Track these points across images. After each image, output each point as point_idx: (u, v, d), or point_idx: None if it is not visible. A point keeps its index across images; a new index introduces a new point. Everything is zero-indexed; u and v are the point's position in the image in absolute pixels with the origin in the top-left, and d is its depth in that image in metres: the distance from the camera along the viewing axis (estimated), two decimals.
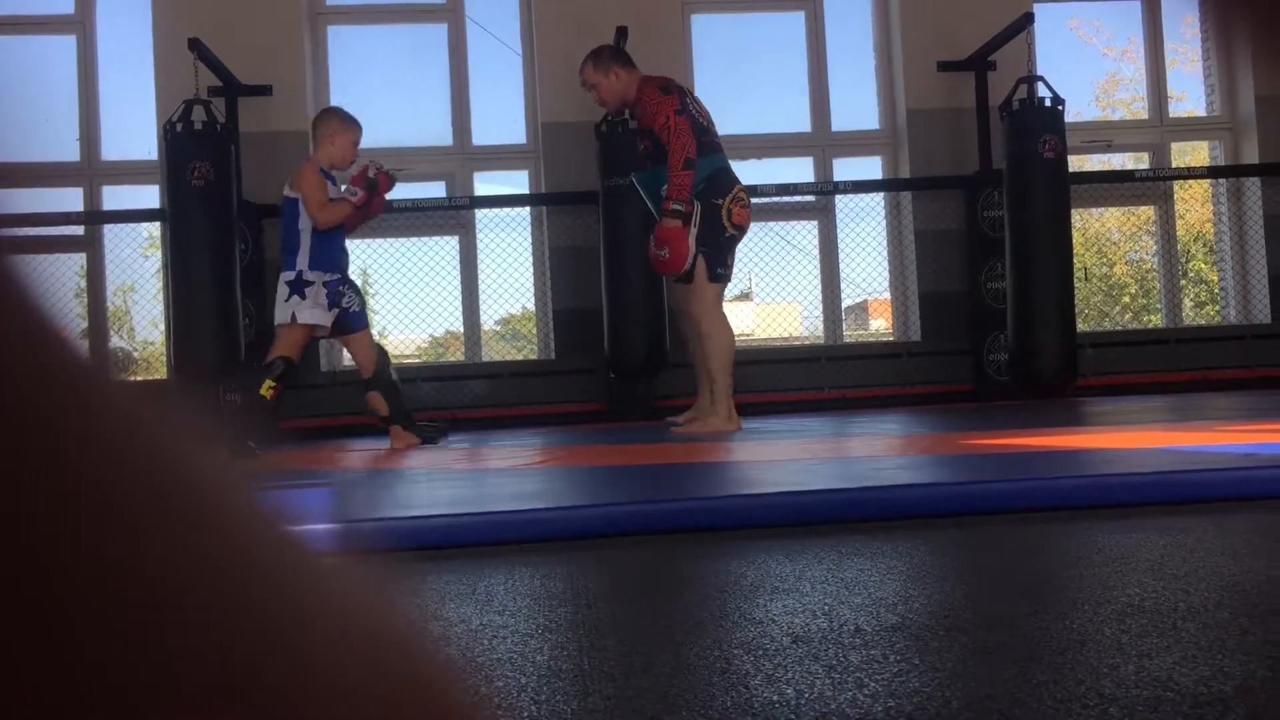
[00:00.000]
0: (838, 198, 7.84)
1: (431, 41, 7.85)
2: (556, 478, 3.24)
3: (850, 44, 8.10)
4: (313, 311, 4.86)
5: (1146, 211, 8.55)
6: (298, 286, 4.87)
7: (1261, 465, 2.35)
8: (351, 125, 5.03)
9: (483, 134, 7.84)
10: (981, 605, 1.44)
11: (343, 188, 4.98)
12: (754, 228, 7.72)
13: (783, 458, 3.46)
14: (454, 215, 7.63)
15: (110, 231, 7.56)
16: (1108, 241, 10.40)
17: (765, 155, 7.95)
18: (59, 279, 7.54)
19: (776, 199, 7.65)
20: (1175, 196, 8.21)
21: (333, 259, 4.94)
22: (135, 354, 8.71)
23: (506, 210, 7.78)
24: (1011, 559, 1.81)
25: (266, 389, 4.72)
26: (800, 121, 7.99)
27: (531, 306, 7.81)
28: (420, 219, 7.50)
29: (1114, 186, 7.98)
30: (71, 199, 7.58)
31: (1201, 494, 2.18)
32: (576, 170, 7.21)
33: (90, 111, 7.62)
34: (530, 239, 7.73)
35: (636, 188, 5.15)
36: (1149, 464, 2.65)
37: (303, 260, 4.87)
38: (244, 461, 4.56)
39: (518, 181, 7.87)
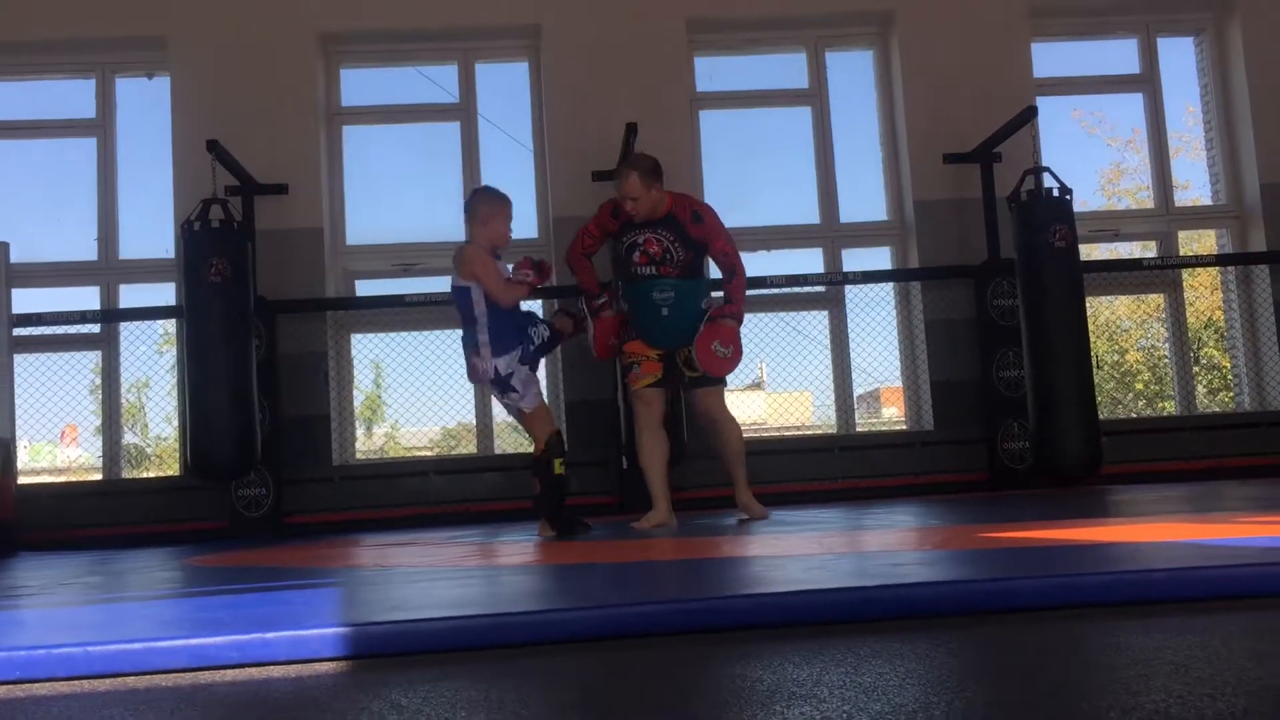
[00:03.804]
0: (847, 288, 7.88)
1: (445, 139, 7.99)
2: (567, 576, 3.21)
3: (857, 137, 8.22)
4: (530, 387, 4.92)
5: (1156, 299, 8.57)
6: (503, 386, 4.89)
7: None
8: (505, 203, 5.01)
9: None
10: (1003, 713, 1.40)
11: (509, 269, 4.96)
12: (766, 317, 7.82)
13: (796, 552, 3.42)
14: None
15: (126, 329, 7.63)
16: (1118, 329, 10.40)
17: (775, 246, 8.02)
18: (74, 376, 7.59)
19: (787, 289, 7.70)
20: (1184, 284, 8.23)
21: (511, 337, 4.90)
22: (149, 450, 8.72)
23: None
24: (1032, 661, 1.78)
25: (559, 466, 4.87)
26: (809, 213, 8.07)
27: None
28: (432, 312, 7.56)
29: (1123, 275, 8.01)
30: (89, 298, 7.66)
31: (1225, 590, 2.14)
32: None
33: (109, 211, 7.74)
34: None
35: (655, 294, 5.15)
36: (1169, 559, 2.61)
37: (491, 356, 4.83)
38: (578, 535, 4.80)
39: None
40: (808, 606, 2.15)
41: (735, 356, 5.11)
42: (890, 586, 2.26)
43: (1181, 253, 8.23)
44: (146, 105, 7.88)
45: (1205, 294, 9.01)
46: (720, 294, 5.32)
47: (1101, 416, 7.20)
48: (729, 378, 5.27)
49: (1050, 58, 8.17)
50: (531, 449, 5.08)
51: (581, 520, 5.10)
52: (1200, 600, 2.12)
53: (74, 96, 7.88)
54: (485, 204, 4.97)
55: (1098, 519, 4.44)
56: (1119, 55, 8.38)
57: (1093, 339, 7.23)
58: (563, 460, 4.94)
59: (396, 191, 8.16)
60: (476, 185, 5.16)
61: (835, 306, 7.94)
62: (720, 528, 5.01)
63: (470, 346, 4.92)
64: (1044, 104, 7.58)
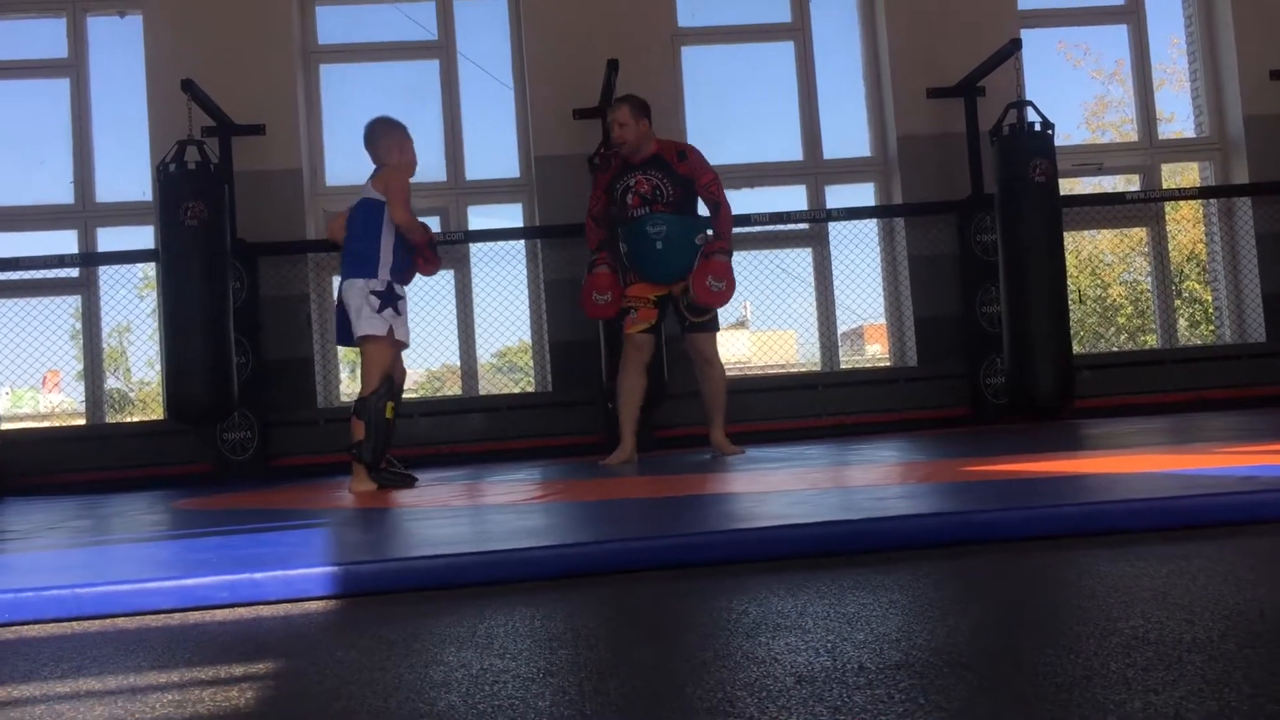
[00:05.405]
0: (831, 225, 7.86)
1: (424, 78, 7.89)
2: (555, 514, 3.23)
3: (840, 73, 8.15)
4: (406, 327, 4.66)
5: (1139, 233, 8.58)
6: (390, 299, 4.56)
7: (1262, 489, 2.34)
8: (406, 129, 4.80)
9: (476, 168, 7.87)
10: (985, 640, 1.43)
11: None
12: (749, 255, 7.80)
13: (782, 488, 3.45)
14: (449, 249, 7.64)
15: (106, 273, 7.56)
16: (1101, 263, 10.42)
17: (758, 184, 7.97)
18: (55, 321, 7.53)
19: (770, 227, 7.67)
20: (1167, 217, 8.23)
21: (405, 274, 4.70)
22: (132, 394, 8.69)
23: (501, 243, 7.79)
24: (1014, 590, 1.80)
25: (390, 411, 4.56)
26: (792, 150, 8.02)
27: (528, 339, 7.81)
28: None
29: (1106, 209, 8.00)
30: (66, 241, 7.58)
31: (1203, 519, 2.17)
32: (570, 203, 7.23)
33: (84, 153, 7.63)
34: (525, 272, 7.74)
35: (649, 228, 5.39)
36: (1149, 489, 2.64)
37: (384, 271, 4.55)
38: (401, 488, 4.53)
39: (512, 215, 7.89)
40: (793, 540, 2.17)
41: (728, 289, 5.44)
42: (874, 520, 2.28)
43: (1164, 186, 8.23)
44: (119, 44, 7.74)
45: (1188, 227, 9.02)
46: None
47: (1084, 350, 7.23)
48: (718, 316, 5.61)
49: None
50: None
51: (406, 473, 4.74)
52: (1179, 529, 2.15)
53: (45, 36, 7.73)
54: (396, 132, 4.76)
55: (1080, 451, 4.49)
56: None
57: (1076, 273, 7.24)
58: (394, 406, 4.60)
59: None
60: (375, 118, 4.90)
61: (819, 244, 7.92)
62: (702, 465, 5.04)
63: (370, 275, 4.58)
64: (1029, 36, 7.51)
